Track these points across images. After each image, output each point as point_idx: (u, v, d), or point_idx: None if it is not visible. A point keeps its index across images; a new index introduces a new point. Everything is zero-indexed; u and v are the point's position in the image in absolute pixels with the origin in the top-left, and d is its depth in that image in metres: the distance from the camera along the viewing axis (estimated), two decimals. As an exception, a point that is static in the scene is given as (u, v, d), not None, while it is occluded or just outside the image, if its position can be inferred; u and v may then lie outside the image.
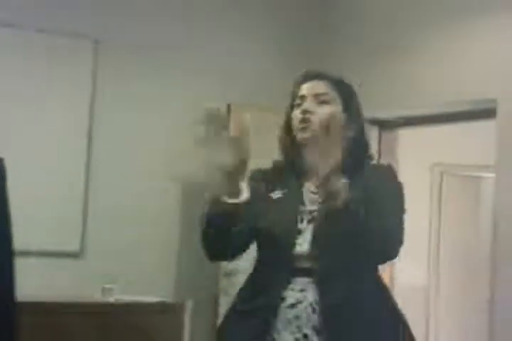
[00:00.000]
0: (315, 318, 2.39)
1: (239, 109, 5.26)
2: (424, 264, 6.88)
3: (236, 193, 2.34)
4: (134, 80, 5.29)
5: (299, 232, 2.44)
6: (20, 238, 2.92)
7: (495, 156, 4.70)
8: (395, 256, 2.42)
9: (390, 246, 2.39)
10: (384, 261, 2.48)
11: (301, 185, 2.51)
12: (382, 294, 2.50)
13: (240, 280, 5.36)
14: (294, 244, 2.43)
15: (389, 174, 2.51)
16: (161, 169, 5.34)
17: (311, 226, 2.44)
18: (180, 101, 5.44)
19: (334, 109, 2.49)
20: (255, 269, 2.57)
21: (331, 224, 2.38)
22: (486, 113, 4.71)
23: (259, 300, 2.45)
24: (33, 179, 4.91)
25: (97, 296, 4.63)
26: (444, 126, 5.48)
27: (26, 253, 4.70)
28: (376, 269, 2.51)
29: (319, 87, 2.53)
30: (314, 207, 2.46)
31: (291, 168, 2.54)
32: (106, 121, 5.18)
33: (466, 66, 4.87)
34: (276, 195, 2.51)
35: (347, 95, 2.52)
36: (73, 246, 5.04)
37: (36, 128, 4.97)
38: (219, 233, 2.44)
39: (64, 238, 5.02)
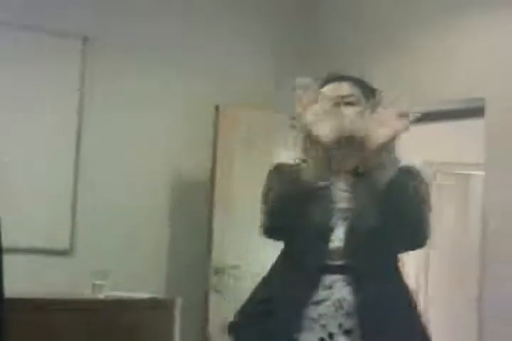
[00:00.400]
0: (341, 316, 2.36)
1: (229, 109, 5.27)
2: (414, 262, 6.90)
3: (325, 177, 2.33)
4: (122, 79, 5.28)
5: (331, 229, 2.42)
6: (10, 235, 2.92)
7: (484, 154, 4.72)
8: (425, 244, 2.41)
9: (422, 232, 2.38)
10: (414, 248, 2.45)
11: (331, 183, 2.46)
12: (408, 292, 2.49)
13: (230, 276, 5.40)
14: (328, 241, 2.39)
15: (414, 173, 2.47)
16: (150, 167, 5.35)
17: (343, 224, 2.41)
18: (171, 100, 5.44)
19: (359, 109, 2.45)
20: (280, 264, 2.52)
21: (366, 217, 2.37)
22: (475, 111, 4.73)
23: (285, 297, 2.40)
24: (22, 177, 4.90)
25: (87, 293, 4.63)
26: (433, 124, 5.49)
27: (16, 251, 4.70)
28: (400, 270, 2.50)
29: (343, 88, 2.49)
30: (345, 205, 2.44)
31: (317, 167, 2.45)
32: (95, 119, 5.17)
33: (454, 65, 4.89)
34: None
35: (370, 95, 2.49)
36: (63, 243, 5.04)
37: (25, 127, 4.96)
38: (296, 214, 2.39)
39: (53, 235, 5.02)
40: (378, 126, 2.28)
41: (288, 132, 5.37)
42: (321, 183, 2.32)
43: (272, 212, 2.44)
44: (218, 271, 5.19)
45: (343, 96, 2.47)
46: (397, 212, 2.32)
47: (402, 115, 2.30)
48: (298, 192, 2.35)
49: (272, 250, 5.34)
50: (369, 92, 2.51)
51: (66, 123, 5.10)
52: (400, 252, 2.49)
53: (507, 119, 4.60)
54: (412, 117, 2.31)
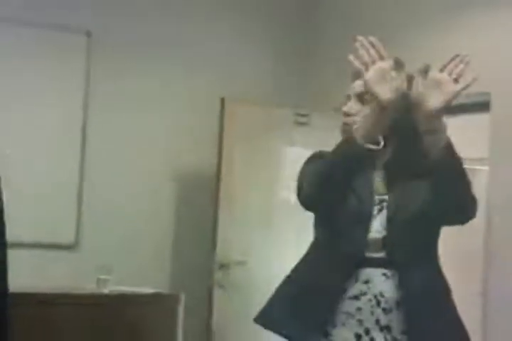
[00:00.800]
0: (379, 312, 2.29)
1: (232, 104, 5.26)
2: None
3: (375, 140, 2.21)
4: (126, 76, 5.29)
5: (370, 219, 2.34)
6: (16, 230, 2.93)
7: (489, 149, 4.71)
8: (474, 215, 2.32)
9: (474, 199, 2.29)
10: (465, 218, 2.33)
11: (371, 173, 2.38)
12: (445, 280, 2.43)
13: (234, 272, 5.41)
14: (368, 231, 2.31)
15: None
16: (155, 162, 5.35)
17: (381, 214, 2.34)
18: (174, 97, 5.44)
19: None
20: (314, 255, 2.43)
21: (406, 203, 2.31)
22: (480, 106, 4.71)
23: (320, 290, 2.32)
24: (28, 172, 4.92)
25: (91, 288, 4.63)
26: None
27: (21, 245, 4.71)
28: (438, 255, 2.43)
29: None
30: (384, 196, 2.36)
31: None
32: (100, 116, 5.18)
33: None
34: None
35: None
36: (68, 238, 5.05)
37: (30, 123, 4.97)
38: (342, 176, 2.27)
39: (59, 230, 5.03)
40: (435, 90, 2.19)
41: (291, 128, 5.40)
42: (372, 146, 2.21)
43: (318, 172, 2.28)
44: (222, 267, 5.19)
45: (362, 93, 2.39)
46: (455, 175, 2.23)
47: (458, 78, 2.22)
48: (349, 152, 2.22)
49: (276, 246, 5.36)
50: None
51: (71, 120, 5.10)
52: (449, 225, 2.38)
53: (512, 114, 4.60)
54: (470, 79, 2.22)
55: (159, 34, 5.40)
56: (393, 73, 2.20)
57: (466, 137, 6.40)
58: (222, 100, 5.25)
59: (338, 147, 2.27)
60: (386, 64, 2.21)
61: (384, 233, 2.32)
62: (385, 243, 2.32)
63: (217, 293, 5.17)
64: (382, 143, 2.21)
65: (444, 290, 2.41)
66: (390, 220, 2.32)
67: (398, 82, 2.20)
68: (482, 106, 4.68)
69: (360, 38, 2.21)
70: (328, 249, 2.37)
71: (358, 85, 2.41)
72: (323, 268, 2.36)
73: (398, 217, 2.32)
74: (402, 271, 2.30)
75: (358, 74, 2.40)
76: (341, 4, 5.77)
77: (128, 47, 5.29)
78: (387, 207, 2.34)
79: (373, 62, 2.20)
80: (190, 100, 5.46)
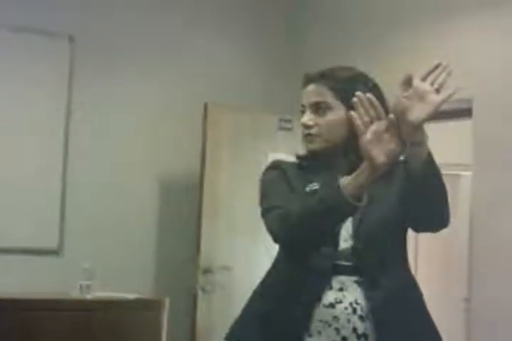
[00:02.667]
0: (355, 320, 2.28)
1: (215, 109, 5.27)
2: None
3: (361, 196, 2.19)
4: (109, 79, 5.29)
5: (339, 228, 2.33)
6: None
7: (471, 155, 4.74)
8: (447, 225, 2.31)
9: (448, 212, 2.29)
10: (440, 228, 2.32)
11: (335, 180, 2.30)
12: (417, 286, 2.43)
13: (219, 277, 5.41)
14: (338, 240, 2.31)
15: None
16: (139, 166, 5.35)
17: (347, 222, 2.32)
18: (158, 102, 5.43)
19: (338, 114, 2.35)
20: (283, 265, 2.42)
21: (377, 208, 2.31)
22: (463, 112, 4.74)
23: (293, 298, 2.31)
24: (10, 176, 4.90)
25: (75, 293, 4.63)
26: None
27: (4, 251, 4.70)
28: (408, 260, 2.43)
29: (316, 94, 2.40)
30: None
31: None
32: (83, 119, 5.17)
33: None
34: (314, 187, 2.37)
35: (350, 94, 2.25)
36: (51, 243, 5.03)
37: (11, 127, 4.95)
38: (321, 229, 2.27)
39: (42, 235, 5.01)
40: (417, 101, 2.14)
41: (276, 133, 5.41)
42: (359, 204, 2.19)
43: (299, 225, 2.27)
44: (206, 272, 5.19)
45: (316, 103, 2.40)
46: (435, 186, 2.23)
47: (439, 88, 2.17)
48: (336, 211, 2.21)
49: (260, 251, 5.36)
50: (349, 90, 2.31)
51: (54, 123, 5.09)
52: (422, 232, 2.38)
53: (494, 120, 4.62)
54: (451, 90, 2.16)
55: (142, 39, 5.40)
56: (387, 136, 2.17)
57: (449, 143, 6.46)
58: (205, 105, 5.25)
59: (325, 201, 2.22)
60: (382, 125, 2.18)
61: (351, 242, 2.32)
62: (353, 252, 2.32)
63: (201, 298, 5.16)
64: (365, 200, 2.20)
65: (415, 295, 2.41)
66: (355, 230, 2.32)
67: (392, 145, 2.17)
68: (464, 112, 4.71)
69: (359, 94, 2.17)
70: (299, 261, 2.36)
71: (310, 93, 2.42)
72: (295, 279, 2.34)
73: (363, 227, 2.32)
74: (369, 279, 2.30)
75: (308, 79, 2.44)
76: (329, 11, 5.78)
77: (111, 52, 5.29)
78: (353, 216, 2.32)
79: (371, 122, 2.17)
80: (174, 105, 5.47)
